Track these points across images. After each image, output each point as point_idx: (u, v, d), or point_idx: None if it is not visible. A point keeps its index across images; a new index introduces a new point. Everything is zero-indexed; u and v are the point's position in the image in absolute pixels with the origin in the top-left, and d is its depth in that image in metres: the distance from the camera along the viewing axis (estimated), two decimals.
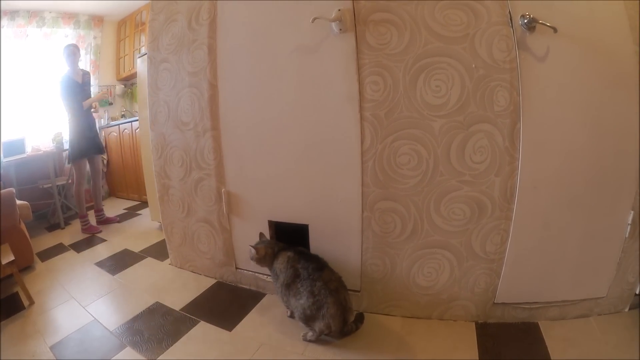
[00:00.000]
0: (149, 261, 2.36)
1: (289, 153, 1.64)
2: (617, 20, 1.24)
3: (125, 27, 4.52)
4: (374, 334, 1.46)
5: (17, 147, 3.55)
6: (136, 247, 2.60)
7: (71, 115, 3.03)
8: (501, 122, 1.32)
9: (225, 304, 1.77)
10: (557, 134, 1.31)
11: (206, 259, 2.03)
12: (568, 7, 1.24)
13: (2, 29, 3.60)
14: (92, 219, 3.24)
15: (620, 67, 1.26)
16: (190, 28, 1.78)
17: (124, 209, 3.82)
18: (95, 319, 1.71)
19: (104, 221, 3.31)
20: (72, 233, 3.15)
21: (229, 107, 1.74)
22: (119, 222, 3.34)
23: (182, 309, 1.74)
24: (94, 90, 4.15)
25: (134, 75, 4.34)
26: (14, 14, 3.71)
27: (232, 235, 1.90)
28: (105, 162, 4.37)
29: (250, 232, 1.77)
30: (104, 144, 4.21)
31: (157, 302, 1.81)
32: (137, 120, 3.51)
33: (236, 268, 1.93)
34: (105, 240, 2.87)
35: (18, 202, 2.44)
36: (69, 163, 3.18)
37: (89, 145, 3.11)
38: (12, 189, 2.40)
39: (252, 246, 1.56)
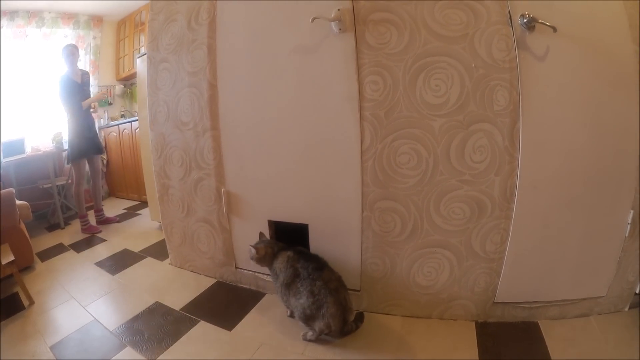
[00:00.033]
0: (149, 261, 2.36)
1: (288, 152, 1.64)
2: (616, 20, 1.24)
3: (125, 27, 4.51)
4: (374, 334, 1.46)
5: (16, 147, 3.55)
6: (136, 247, 2.60)
7: (70, 116, 3.03)
8: (501, 122, 1.32)
9: (225, 304, 1.77)
10: (557, 133, 1.31)
11: (206, 258, 2.03)
12: (568, 7, 1.24)
13: (1, 29, 3.60)
14: (92, 219, 3.24)
15: (620, 66, 1.26)
16: (189, 28, 1.78)
17: (124, 209, 3.82)
18: (95, 319, 1.71)
19: (103, 221, 3.31)
20: (72, 233, 3.15)
21: (229, 106, 1.74)
22: (118, 222, 3.34)
23: (182, 309, 1.74)
24: (93, 90, 4.14)
25: (133, 75, 4.34)
26: (13, 14, 3.71)
27: (232, 235, 1.90)
28: (105, 162, 4.37)
29: (250, 231, 1.77)
30: (103, 144, 4.22)
31: (157, 302, 1.81)
32: (136, 120, 3.51)
33: (236, 268, 1.93)
34: (105, 240, 2.87)
35: (18, 202, 2.44)
36: (68, 163, 3.18)
37: (88, 146, 3.10)
38: (12, 189, 2.40)
39: (252, 246, 1.56)
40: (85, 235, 3.03)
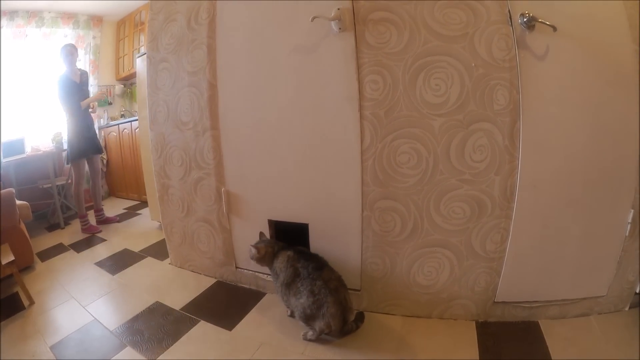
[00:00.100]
0: (149, 261, 2.36)
1: (288, 152, 1.64)
2: (616, 19, 1.24)
3: (125, 27, 4.51)
4: (374, 333, 1.46)
5: (16, 147, 3.55)
6: (136, 247, 2.60)
7: (69, 116, 3.03)
8: (501, 121, 1.32)
9: (225, 304, 1.77)
10: (557, 132, 1.31)
11: (206, 258, 2.03)
12: (567, 6, 1.24)
13: (1, 29, 3.60)
14: (92, 219, 3.24)
15: (620, 66, 1.26)
16: (189, 28, 1.78)
17: (124, 209, 3.82)
18: (95, 318, 1.71)
19: (103, 221, 3.31)
20: (72, 233, 3.14)
21: (229, 106, 1.74)
22: (118, 221, 3.34)
23: (182, 309, 1.74)
24: (93, 90, 4.14)
25: (133, 75, 4.34)
26: (13, 14, 3.71)
27: (232, 235, 1.90)
28: (104, 161, 4.37)
29: (250, 231, 1.77)
30: (103, 144, 4.22)
31: (157, 302, 1.81)
32: (136, 120, 3.51)
33: (236, 267, 1.93)
34: (105, 240, 2.87)
35: (18, 202, 2.44)
36: (67, 163, 3.18)
37: (88, 146, 3.10)
38: (12, 189, 2.40)
39: (252, 245, 1.56)
40: (85, 235, 3.03)
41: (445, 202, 1.42)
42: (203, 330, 1.57)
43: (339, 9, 1.39)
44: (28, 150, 3.64)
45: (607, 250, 1.39)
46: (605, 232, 1.37)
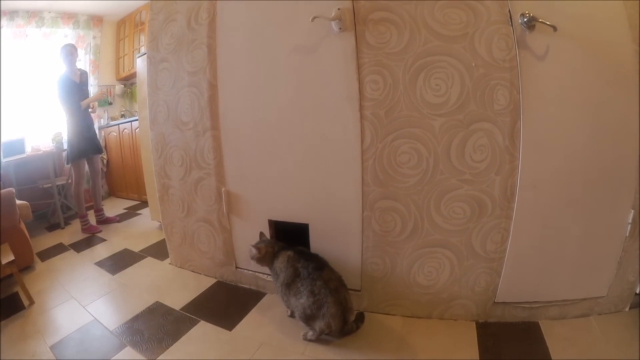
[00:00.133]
0: (149, 261, 2.36)
1: (289, 152, 1.64)
2: (616, 19, 1.24)
3: (125, 27, 4.51)
4: (375, 334, 1.46)
5: (16, 147, 3.55)
6: (136, 247, 2.60)
7: (69, 116, 3.03)
8: (501, 121, 1.31)
9: (225, 304, 1.77)
10: (557, 132, 1.31)
11: (206, 258, 2.03)
12: (567, 6, 1.24)
13: (1, 29, 3.60)
14: (92, 219, 3.24)
15: (620, 66, 1.26)
16: (189, 28, 1.78)
17: (124, 209, 3.82)
18: (95, 318, 1.71)
19: (103, 221, 3.31)
20: (72, 233, 3.14)
21: (229, 106, 1.74)
22: (118, 221, 3.34)
23: (182, 309, 1.73)
24: (93, 90, 4.14)
25: (133, 75, 4.34)
26: (13, 14, 3.71)
27: (232, 235, 1.90)
28: (105, 161, 4.37)
29: (250, 231, 1.77)
30: (103, 144, 4.22)
31: (157, 302, 1.81)
32: (136, 120, 3.51)
33: (236, 267, 1.93)
34: (105, 240, 2.87)
35: (18, 202, 2.44)
36: (67, 163, 3.18)
37: (87, 146, 3.10)
38: (12, 189, 2.40)
39: (252, 245, 1.56)
40: (85, 235, 3.03)
41: (446, 202, 1.42)
42: (203, 330, 1.57)
43: (339, 9, 1.39)
44: (28, 150, 3.65)
45: (607, 251, 1.39)
46: (605, 233, 1.37)
